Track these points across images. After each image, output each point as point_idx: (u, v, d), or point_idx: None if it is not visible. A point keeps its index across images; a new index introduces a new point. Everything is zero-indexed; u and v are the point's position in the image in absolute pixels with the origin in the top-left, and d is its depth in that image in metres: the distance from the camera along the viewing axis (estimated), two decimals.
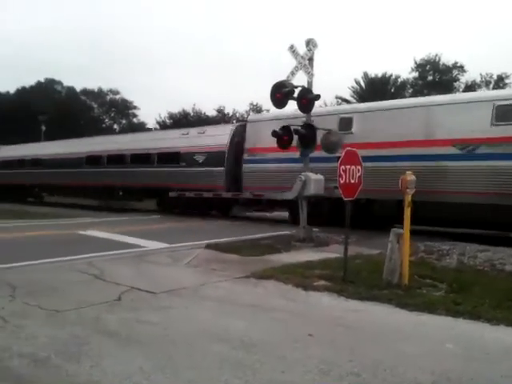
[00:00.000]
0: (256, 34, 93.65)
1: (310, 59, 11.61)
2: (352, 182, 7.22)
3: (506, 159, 12.29)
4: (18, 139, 34.11)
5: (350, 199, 7.32)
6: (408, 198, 6.95)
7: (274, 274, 7.53)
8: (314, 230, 12.40)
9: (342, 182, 7.10)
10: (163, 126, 49.83)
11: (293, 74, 11.49)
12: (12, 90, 63.30)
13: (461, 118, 13.05)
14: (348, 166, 7.14)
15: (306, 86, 11.60)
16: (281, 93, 11.17)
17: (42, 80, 64.88)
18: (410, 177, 6.95)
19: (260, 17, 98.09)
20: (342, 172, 7.08)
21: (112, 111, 68.41)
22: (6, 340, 4.43)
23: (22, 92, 62.25)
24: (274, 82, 11.36)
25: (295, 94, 11.39)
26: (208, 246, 10.58)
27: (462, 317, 5.49)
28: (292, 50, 11.55)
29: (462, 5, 70.24)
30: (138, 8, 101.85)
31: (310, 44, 11.56)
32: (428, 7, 77.78)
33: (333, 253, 9.90)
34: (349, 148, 7.39)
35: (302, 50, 11.66)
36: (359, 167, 7.32)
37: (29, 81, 65.91)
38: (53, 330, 4.72)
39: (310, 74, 11.50)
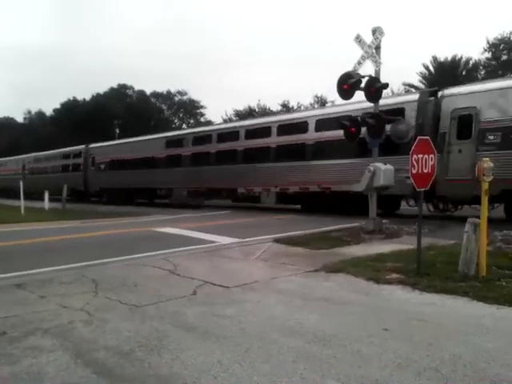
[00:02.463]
0: (318, 25, 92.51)
1: (377, 48, 11.38)
2: (425, 171, 7.01)
3: None
4: (98, 141, 35.94)
5: (423, 189, 7.11)
6: (485, 186, 6.67)
7: (345, 268, 7.49)
8: (384, 221, 12.17)
9: (414, 172, 6.91)
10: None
11: (359, 63, 11.30)
12: (88, 97, 66.85)
13: None
14: (420, 156, 6.94)
15: (372, 74, 11.38)
16: (348, 83, 11.01)
17: (115, 86, 67.92)
18: (487, 164, 6.66)
19: (321, 8, 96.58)
20: (414, 162, 6.88)
21: (181, 112, 70.45)
22: (93, 333, 4.71)
23: (97, 98, 65.53)
24: (341, 73, 11.20)
25: (362, 84, 11.19)
26: (277, 240, 10.68)
27: None
28: (358, 39, 11.36)
29: None
30: (200, 10, 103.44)
31: (377, 32, 11.32)
32: None
33: (404, 244, 9.71)
34: (421, 137, 7.15)
35: (368, 39, 11.45)
36: (432, 156, 7.08)
37: (103, 87, 69.26)
38: (134, 324, 4.96)
39: (378, 63, 11.27)
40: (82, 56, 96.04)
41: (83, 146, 35.86)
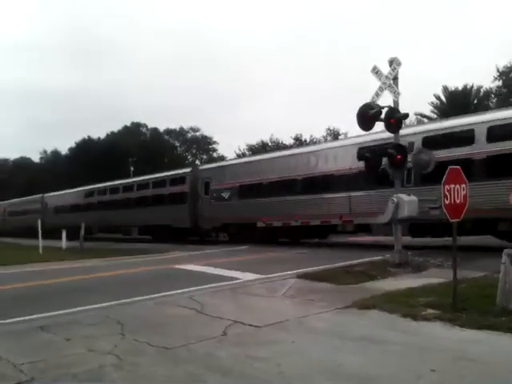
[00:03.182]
0: (330, 57, 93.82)
1: (395, 78, 11.37)
2: (457, 201, 6.82)
3: None
4: (112, 179, 36.09)
5: (456, 220, 6.90)
6: None
7: (377, 304, 7.22)
8: (409, 253, 11.89)
9: (447, 202, 6.72)
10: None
11: (377, 95, 11.29)
12: (102, 135, 68.11)
13: None
14: (452, 186, 6.76)
15: (391, 105, 11.34)
16: (368, 115, 10.97)
17: (128, 124, 69.10)
18: None
19: (330, 40, 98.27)
20: (446, 192, 6.71)
21: (193, 148, 71.29)
22: (126, 380, 4.52)
23: (111, 136, 66.68)
24: (360, 105, 11.18)
25: (382, 115, 11.15)
26: (301, 276, 10.45)
27: None
28: (375, 71, 11.38)
29: None
30: (207, 46, 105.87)
31: (394, 63, 11.33)
32: (506, 9, 74.06)
33: (434, 278, 9.43)
34: (452, 167, 7.00)
35: (383, 69, 11.48)
36: (464, 185, 6.91)
37: (117, 124, 70.57)
38: (168, 369, 4.76)
39: (396, 94, 11.24)
40: (95, 94, 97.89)
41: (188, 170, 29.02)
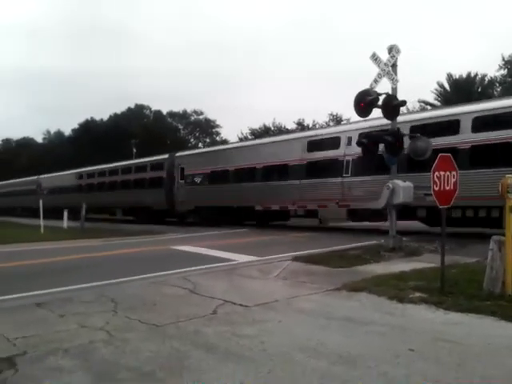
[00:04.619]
0: (334, 43, 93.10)
1: (394, 65, 11.37)
2: (447, 188, 6.89)
3: None
4: (113, 160, 36.25)
5: (445, 207, 6.99)
6: (509, 203, 6.53)
7: (367, 286, 7.35)
8: (404, 238, 11.99)
9: (436, 189, 6.79)
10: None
11: (376, 81, 11.30)
12: (105, 118, 67.97)
13: None
14: (442, 173, 6.82)
15: (389, 92, 11.34)
16: (365, 101, 10.98)
17: (132, 106, 68.90)
18: (511, 180, 6.53)
19: (337, 25, 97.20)
20: (436, 179, 6.77)
21: (196, 131, 71.11)
22: (114, 354, 4.66)
23: (115, 118, 66.64)
24: (358, 91, 11.18)
25: (380, 102, 11.16)
26: (295, 259, 10.58)
27: None
28: (374, 57, 11.37)
29: None
30: (214, 31, 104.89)
31: (393, 50, 11.33)
32: None
33: (426, 262, 9.54)
34: (442, 154, 7.05)
35: (384, 56, 11.45)
36: (454, 173, 6.97)
37: (120, 108, 70.36)
38: (155, 345, 4.90)
39: (394, 81, 11.24)
40: (99, 78, 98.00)
41: (165, 156, 29.83)
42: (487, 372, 3.95)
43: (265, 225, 22.88)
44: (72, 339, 5.17)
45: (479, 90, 41.44)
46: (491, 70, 43.04)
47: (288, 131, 43.52)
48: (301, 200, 19.54)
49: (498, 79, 42.95)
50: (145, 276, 8.87)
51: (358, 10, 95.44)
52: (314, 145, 19.59)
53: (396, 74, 11.40)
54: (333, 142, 18.55)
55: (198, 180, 25.90)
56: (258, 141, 27.78)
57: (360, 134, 13.45)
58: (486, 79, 42.74)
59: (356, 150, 14.92)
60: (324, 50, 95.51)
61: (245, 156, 23.13)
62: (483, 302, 6.23)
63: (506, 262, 6.53)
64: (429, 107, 38.53)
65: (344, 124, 33.37)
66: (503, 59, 41.79)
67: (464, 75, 42.14)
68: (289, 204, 20.32)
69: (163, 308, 6.54)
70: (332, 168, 18.11)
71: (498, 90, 42.09)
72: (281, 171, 20.79)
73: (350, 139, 17.46)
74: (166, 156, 29.36)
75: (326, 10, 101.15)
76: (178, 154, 28.75)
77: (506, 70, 42.14)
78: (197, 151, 31.24)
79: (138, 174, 31.26)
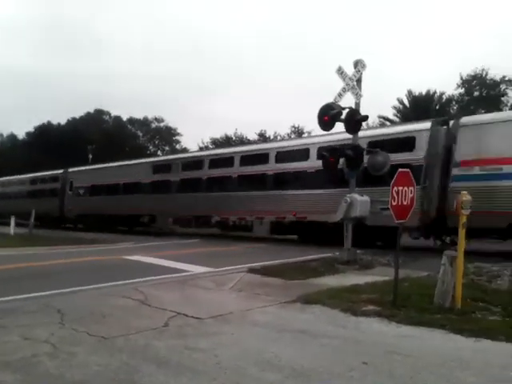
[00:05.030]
0: (298, 56, 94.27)
1: (358, 80, 11.55)
2: (404, 203, 7.01)
3: None
4: (68, 166, 35.26)
5: (402, 222, 7.10)
6: (463, 219, 6.70)
7: (321, 299, 7.35)
8: (358, 251, 12.14)
9: (394, 203, 6.90)
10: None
11: (340, 95, 11.45)
12: (63, 121, 65.97)
13: None
14: (401, 188, 6.94)
15: (353, 106, 11.51)
16: (329, 115, 11.09)
17: (92, 111, 67.25)
18: (466, 197, 6.71)
19: (299, 39, 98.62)
20: (394, 194, 6.88)
21: (156, 139, 70.18)
22: (59, 368, 4.41)
23: (73, 123, 64.86)
24: (322, 105, 11.28)
25: (343, 116, 11.29)
26: (250, 270, 10.50)
27: None
28: (340, 71, 11.53)
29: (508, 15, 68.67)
30: (175, 37, 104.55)
31: (359, 65, 11.52)
32: (473, 21, 76.48)
33: (379, 276, 9.66)
34: (401, 169, 7.18)
35: (349, 71, 11.64)
36: (412, 188, 7.11)
37: (79, 112, 68.49)
38: (103, 358, 4.69)
39: (358, 95, 11.42)
40: (57, 80, 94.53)
41: (61, 171, 35.09)
42: None
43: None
44: (14, 352, 4.88)
45: (437, 107, 42.94)
46: (450, 88, 44.79)
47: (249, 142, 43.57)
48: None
49: (456, 97, 44.65)
50: (94, 286, 8.57)
51: (323, 26, 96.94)
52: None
53: (360, 89, 11.59)
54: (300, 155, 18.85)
55: (81, 192, 32.13)
56: (125, 162, 31.35)
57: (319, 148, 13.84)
58: (444, 97, 44.37)
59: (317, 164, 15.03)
60: (289, 63, 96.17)
61: (114, 174, 29.22)
62: (434, 315, 6.35)
63: (456, 276, 6.69)
64: (388, 123, 39.60)
65: (304, 137, 34.66)
66: (461, 78, 43.60)
67: (423, 92, 43.56)
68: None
69: (112, 320, 6.31)
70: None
71: (455, 108, 43.72)
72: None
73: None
74: (61, 171, 35.02)
75: (292, 23, 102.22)
76: (70, 170, 34.38)
77: (464, 89, 43.90)
78: (83, 168, 34.21)
79: (42, 185, 37.08)
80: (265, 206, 19.25)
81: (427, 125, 15.76)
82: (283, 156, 19.39)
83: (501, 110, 36.30)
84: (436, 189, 14.92)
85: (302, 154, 18.52)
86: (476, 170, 13.86)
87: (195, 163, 24.07)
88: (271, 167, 19.61)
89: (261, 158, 20.23)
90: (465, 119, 15.39)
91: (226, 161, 21.86)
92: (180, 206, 23.50)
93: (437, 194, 14.84)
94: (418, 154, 15.07)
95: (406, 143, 15.49)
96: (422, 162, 14.90)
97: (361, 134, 12.44)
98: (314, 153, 17.65)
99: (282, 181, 19.21)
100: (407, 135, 15.81)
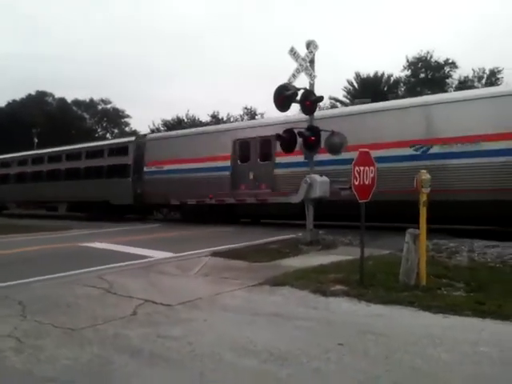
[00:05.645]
0: (249, 38, 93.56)
1: (311, 61, 11.52)
2: (366, 183, 7.06)
3: None
4: (12, 152, 33.40)
5: (364, 201, 7.16)
6: (423, 197, 6.82)
7: (289, 281, 7.37)
8: (320, 232, 12.25)
9: (356, 183, 6.93)
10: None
11: (294, 76, 11.38)
12: (2, 104, 62.83)
13: None
14: (362, 168, 6.98)
15: (307, 87, 11.49)
16: (284, 96, 11.03)
17: (33, 93, 64.34)
18: (425, 176, 6.82)
19: (254, 20, 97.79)
20: (356, 174, 6.91)
21: (104, 121, 68.15)
22: (26, 364, 4.22)
23: (13, 105, 61.82)
24: (277, 86, 11.21)
25: (298, 97, 11.26)
26: (215, 254, 10.42)
27: (490, 317, 5.35)
28: (292, 52, 11.45)
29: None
30: (125, 16, 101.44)
31: (311, 46, 11.48)
32: (418, 4, 77.93)
33: (343, 255, 9.78)
34: (362, 149, 7.22)
35: (302, 51, 11.58)
36: (372, 168, 7.16)
37: (19, 94, 65.32)
38: (72, 351, 4.51)
39: (312, 76, 11.40)
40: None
41: None
42: (415, 363, 4.04)
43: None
44: None
45: (385, 88, 43.77)
46: (397, 70, 45.71)
47: (202, 124, 43.16)
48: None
49: (403, 79, 45.65)
50: (55, 276, 8.24)
51: (277, 7, 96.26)
52: None
53: (314, 70, 11.56)
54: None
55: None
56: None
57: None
58: (392, 79, 45.27)
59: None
60: (243, 45, 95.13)
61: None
62: (401, 292, 6.46)
63: (420, 253, 6.83)
64: (339, 104, 40.06)
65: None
66: (407, 61, 44.57)
67: (371, 75, 44.28)
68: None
69: (78, 310, 6.10)
70: None
71: (403, 89, 44.71)
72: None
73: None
74: None
75: (246, 5, 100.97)
76: None
77: (410, 71, 44.92)
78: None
79: None
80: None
81: (133, 139, 24.53)
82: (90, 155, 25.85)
83: (446, 91, 37.43)
84: (138, 180, 22.31)
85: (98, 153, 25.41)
86: (152, 168, 21.68)
87: (39, 159, 29.40)
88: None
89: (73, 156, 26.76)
90: (149, 136, 24.49)
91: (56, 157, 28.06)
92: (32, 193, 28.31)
93: (139, 183, 22.22)
94: (130, 158, 22.92)
95: (122, 150, 23.49)
96: (131, 163, 22.67)
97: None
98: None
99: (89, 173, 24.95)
100: (124, 145, 23.91)
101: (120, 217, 23.27)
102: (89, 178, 24.68)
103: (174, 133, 25.23)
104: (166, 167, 20.86)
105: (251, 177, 18.03)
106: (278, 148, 14.42)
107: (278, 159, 16.94)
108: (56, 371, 4.04)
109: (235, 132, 19.50)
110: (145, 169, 21.94)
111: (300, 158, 13.20)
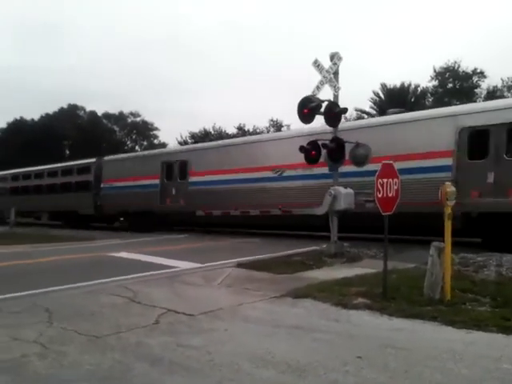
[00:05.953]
0: (276, 51, 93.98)
1: (335, 73, 11.54)
2: (390, 195, 7.02)
3: None
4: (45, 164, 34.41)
5: (388, 213, 7.11)
6: (448, 210, 6.74)
7: (311, 293, 7.35)
8: (345, 244, 12.18)
9: (379, 196, 6.89)
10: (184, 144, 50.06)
11: (318, 88, 11.44)
12: (36, 117, 64.65)
13: None
14: (385, 180, 6.94)
15: (331, 99, 11.51)
16: (308, 108, 11.08)
17: (65, 106, 66.02)
18: (450, 188, 6.74)
19: (279, 33, 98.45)
20: (379, 186, 6.88)
21: (133, 133, 69.35)
22: (49, 369, 4.34)
23: (46, 118, 63.54)
24: (301, 98, 11.28)
25: (322, 109, 11.30)
26: (239, 265, 10.47)
27: None
28: (316, 64, 11.51)
29: (477, 7, 69.45)
30: (156, 31, 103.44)
31: (335, 58, 11.51)
32: (444, 14, 77.07)
33: (367, 268, 9.70)
34: (385, 161, 7.19)
35: (326, 63, 11.64)
36: (396, 180, 7.11)
37: (52, 107, 67.10)
38: (95, 357, 4.62)
39: (336, 88, 11.42)
40: (31, 76, 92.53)
41: None
42: (434, 378, 4.00)
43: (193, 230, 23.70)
44: (3, 353, 4.81)
45: (412, 99, 43.34)
46: (424, 81, 45.25)
47: (228, 136, 43.49)
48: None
49: (430, 90, 45.12)
50: (81, 284, 8.45)
51: (302, 19, 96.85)
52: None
53: (338, 81, 11.59)
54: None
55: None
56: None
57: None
58: (419, 89, 44.79)
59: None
60: (267, 56, 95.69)
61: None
62: (424, 307, 6.37)
63: (444, 267, 6.73)
64: (365, 116, 39.85)
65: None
66: (434, 71, 44.10)
67: (398, 85, 43.91)
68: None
69: (102, 318, 6.23)
70: None
71: (430, 100, 44.18)
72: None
73: None
74: None
75: (270, 16, 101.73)
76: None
77: (437, 81, 44.40)
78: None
79: None
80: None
81: (94, 160, 27.30)
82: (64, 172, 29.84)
83: (474, 101, 36.86)
84: (97, 194, 26.01)
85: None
86: (107, 184, 25.63)
87: (28, 176, 33.47)
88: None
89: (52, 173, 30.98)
90: (105, 158, 27.25)
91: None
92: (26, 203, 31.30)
93: (98, 196, 25.92)
94: (91, 175, 26.75)
95: (86, 169, 27.36)
96: (92, 180, 26.63)
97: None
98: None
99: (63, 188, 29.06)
100: (87, 165, 27.52)
101: (87, 225, 27.58)
102: (63, 192, 28.90)
103: (124, 155, 29.62)
104: (116, 184, 25.25)
105: (174, 192, 21.98)
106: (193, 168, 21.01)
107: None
108: (78, 376, 4.14)
109: (161, 156, 24.12)
110: (102, 185, 26.16)
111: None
